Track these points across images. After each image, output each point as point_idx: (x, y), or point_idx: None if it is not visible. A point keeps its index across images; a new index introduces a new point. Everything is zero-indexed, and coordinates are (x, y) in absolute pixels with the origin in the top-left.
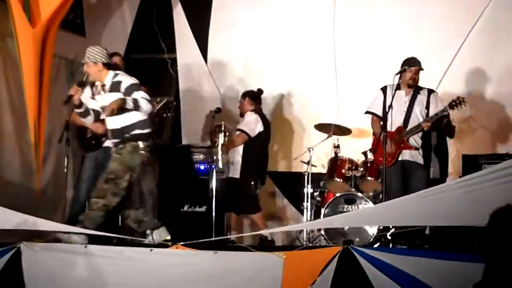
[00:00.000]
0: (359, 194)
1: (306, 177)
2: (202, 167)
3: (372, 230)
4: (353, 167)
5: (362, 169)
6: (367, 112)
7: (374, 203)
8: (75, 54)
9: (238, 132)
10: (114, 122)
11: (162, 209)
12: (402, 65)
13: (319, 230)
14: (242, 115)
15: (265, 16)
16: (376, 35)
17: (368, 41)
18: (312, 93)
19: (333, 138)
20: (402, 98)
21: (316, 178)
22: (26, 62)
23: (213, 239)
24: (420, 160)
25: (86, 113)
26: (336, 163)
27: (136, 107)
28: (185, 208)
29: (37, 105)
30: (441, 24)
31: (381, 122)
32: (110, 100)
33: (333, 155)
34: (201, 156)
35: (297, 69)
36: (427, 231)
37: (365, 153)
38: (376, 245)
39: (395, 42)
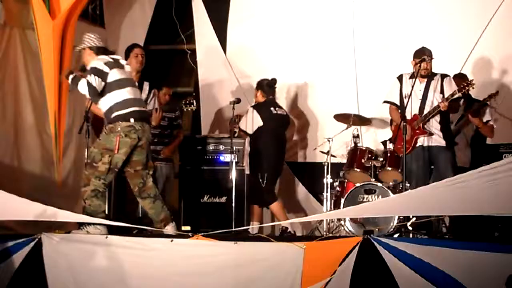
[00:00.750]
0: (379, 184)
1: (325, 167)
2: (221, 157)
3: (393, 220)
4: (373, 157)
5: (381, 159)
6: (385, 102)
7: (394, 193)
8: None
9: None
10: (101, 108)
11: (183, 200)
12: (414, 56)
13: (339, 220)
14: None
15: (284, 6)
16: (395, 24)
17: (387, 30)
18: (332, 83)
19: (352, 128)
20: (417, 86)
21: (336, 168)
22: (46, 54)
23: (233, 229)
24: (442, 143)
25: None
26: (355, 153)
27: (74, 84)
28: (205, 198)
29: (57, 97)
30: (460, 11)
31: (399, 111)
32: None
33: (352, 145)
34: (221, 147)
35: (317, 59)
36: (446, 222)
37: (384, 143)
38: (396, 235)
39: (414, 30)
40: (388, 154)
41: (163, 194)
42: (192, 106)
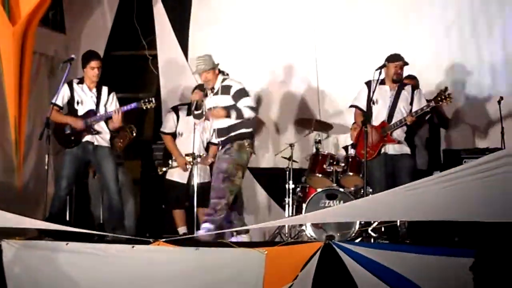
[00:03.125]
0: (341, 189)
1: (287, 172)
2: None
3: (354, 225)
4: (334, 162)
5: (343, 164)
6: (351, 106)
7: (356, 198)
8: (55, 51)
9: None
10: (220, 122)
11: (144, 206)
12: (388, 60)
13: (300, 225)
14: None
15: (246, 12)
16: (357, 30)
17: (349, 36)
18: (293, 89)
19: (314, 134)
20: (386, 93)
21: (298, 174)
22: (6, 59)
23: (194, 235)
24: (406, 151)
25: (201, 115)
26: (317, 158)
27: (239, 116)
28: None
29: (17, 102)
30: (423, 15)
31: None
32: (219, 102)
33: (314, 150)
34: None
35: (278, 64)
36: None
37: (345, 148)
38: (357, 240)
39: (377, 36)
40: (350, 160)
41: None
42: (151, 103)
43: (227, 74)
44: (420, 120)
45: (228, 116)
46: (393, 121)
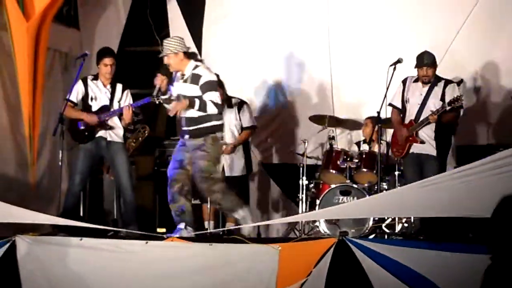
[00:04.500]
0: (354, 186)
1: (301, 168)
2: None
3: (368, 221)
4: (348, 159)
5: (356, 160)
6: (389, 105)
7: (369, 194)
8: (69, 47)
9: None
10: (191, 110)
11: (158, 201)
12: (415, 63)
13: (314, 221)
14: None
15: (259, 7)
16: (370, 25)
17: (363, 31)
18: (307, 85)
19: (328, 130)
20: (419, 90)
21: (311, 170)
22: (20, 56)
23: (208, 231)
24: (433, 152)
25: (169, 100)
26: (331, 154)
27: (202, 109)
28: None
29: (32, 98)
30: (436, 10)
31: (401, 115)
32: (188, 90)
33: (328, 146)
34: None
35: (292, 60)
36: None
37: (358, 144)
38: (371, 236)
39: (391, 30)
40: (363, 156)
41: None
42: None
43: (201, 61)
44: (449, 117)
45: (191, 107)
46: (421, 119)
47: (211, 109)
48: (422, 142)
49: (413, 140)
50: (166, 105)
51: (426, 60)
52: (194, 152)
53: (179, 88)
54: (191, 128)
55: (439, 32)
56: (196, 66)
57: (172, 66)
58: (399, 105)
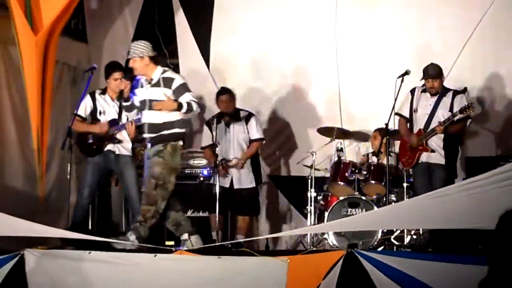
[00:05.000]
0: (363, 198)
1: (309, 181)
2: (205, 171)
3: (377, 233)
4: (356, 170)
5: (365, 172)
6: (396, 114)
7: (378, 206)
8: (77, 61)
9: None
10: (154, 116)
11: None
12: (422, 75)
13: (322, 234)
14: None
15: (266, 18)
16: (379, 37)
17: (370, 42)
18: (315, 96)
19: (336, 142)
20: (427, 100)
21: (319, 182)
22: (29, 69)
23: (216, 243)
24: (442, 161)
25: (131, 107)
26: (339, 166)
27: (189, 110)
28: (189, 213)
29: (40, 112)
30: (445, 20)
31: (408, 124)
32: (157, 95)
33: (336, 158)
34: (204, 161)
35: (299, 72)
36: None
37: (366, 156)
38: (380, 249)
39: (399, 42)
40: (372, 167)
41: None
42: None
43: (169, 66)
44: (455, 128)
45: (179, 108)
46: (429, 129)
47: (195, 107)
48: (433, 151)
49: (423, 149)
50: (126, 113)
51: (431, 72)
52: (153, 158)
53: (146, 93)
54: (152, 135)
55: (446, 44)
56: (165, 71)
57: (137, 69)
58: (407, 115)
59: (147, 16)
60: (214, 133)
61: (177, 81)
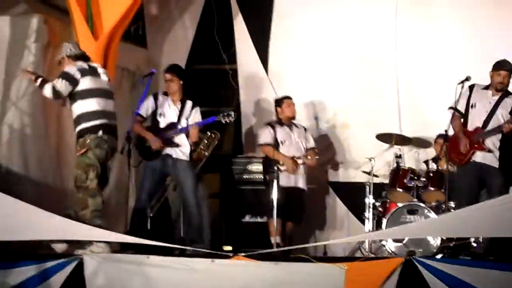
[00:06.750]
0: (422, 205)
1: (367, 187)
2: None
3: (436, 241)
4: (415, 177)
5: (424, 179)
6: (450, 108)
7: (437, 213)
8: (137, 66)
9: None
10: (72, 114)
11: (224, 219)
12: (493, 68)
13: (381, 240)
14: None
15: (325, 25)
16: (438, 44)
17: (430, 49)
18: (374, 102)
19: (394, 148)
20: (488, 98)
21: (378, 188)
22: None
23: (274, 249)
24: (495, 163)
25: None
26: (398, 173)
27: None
28: (247, 218)
29: None
30: (507, 29)
31: (462, 120)
32: None
33: (395, 165)
34: (260, 167)
35: (359, 78)
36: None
37: (426, 163)
38: (439, 256)
39: (457, 50)
40: (431, 174)
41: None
42: (230, 117)
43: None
44: None
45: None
46: (489, 128)
47: (47, 91)
48: (490, 150)
49: (479, 148)
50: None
51: (506, 66)
52: None
53: None
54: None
55: (508, 49)
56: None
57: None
58: (463, 110)
59: (206, 21)
60: (276, 133)
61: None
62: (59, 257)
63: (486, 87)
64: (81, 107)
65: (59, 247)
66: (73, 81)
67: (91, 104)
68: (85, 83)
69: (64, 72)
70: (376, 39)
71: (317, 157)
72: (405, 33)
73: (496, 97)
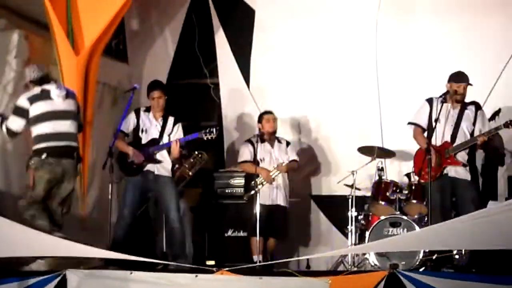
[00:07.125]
0: (404, 217)
1: (350, 200)
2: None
3: (418, 254)
4: (397, 190)
5: (406, 191)
6: (410, 123)
7: (420, 226)
8: (118, 81)
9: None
10: None
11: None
12: (449, 80)
13: (363, 254)
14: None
15: (307, 38)
16: (419, 58)
17: (411, 62)
18: (355, 116)
19: (376, 161)
20: (449, 112)
21: (360, 201)
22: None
23: (258, 264)
24: (468, 177)
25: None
26: (380, 186)
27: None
28: (229, 233)
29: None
30: (486, 37)
31: (425, 134)
32: None
33: (377, 178)
34: (242, 181)
35: (340, 91)
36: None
37: (408, 175)
38: (422, 269)
39: (439, 63)
40: (413, 187)
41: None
42: (212, 134)
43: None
44: (490, 143)
45: None
46: (457, 142)
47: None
48: (465, 164)
49: (452, 162)
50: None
51: (465, 78)
52: None
53: None
54: None
55: (486, 63)
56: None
57: None
58: (425, 125)
59: (187, 36)
60: (256, 151)
61: None
62: (42, 274)
63: (444, 100)
64: (33, 131)
65: (41, 264)
66: (23, 113)
67: (40, 128)
68: (34, 110)
69: (15, 107)
70: (358, 52)
71: (292, 162)
72: (386, 46)
73: (457, 110)
